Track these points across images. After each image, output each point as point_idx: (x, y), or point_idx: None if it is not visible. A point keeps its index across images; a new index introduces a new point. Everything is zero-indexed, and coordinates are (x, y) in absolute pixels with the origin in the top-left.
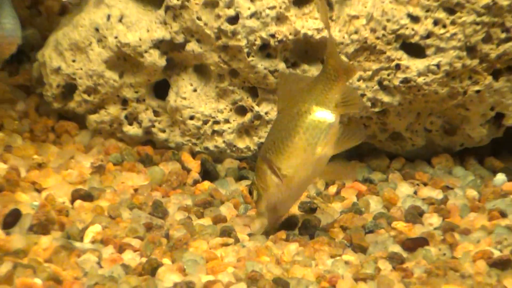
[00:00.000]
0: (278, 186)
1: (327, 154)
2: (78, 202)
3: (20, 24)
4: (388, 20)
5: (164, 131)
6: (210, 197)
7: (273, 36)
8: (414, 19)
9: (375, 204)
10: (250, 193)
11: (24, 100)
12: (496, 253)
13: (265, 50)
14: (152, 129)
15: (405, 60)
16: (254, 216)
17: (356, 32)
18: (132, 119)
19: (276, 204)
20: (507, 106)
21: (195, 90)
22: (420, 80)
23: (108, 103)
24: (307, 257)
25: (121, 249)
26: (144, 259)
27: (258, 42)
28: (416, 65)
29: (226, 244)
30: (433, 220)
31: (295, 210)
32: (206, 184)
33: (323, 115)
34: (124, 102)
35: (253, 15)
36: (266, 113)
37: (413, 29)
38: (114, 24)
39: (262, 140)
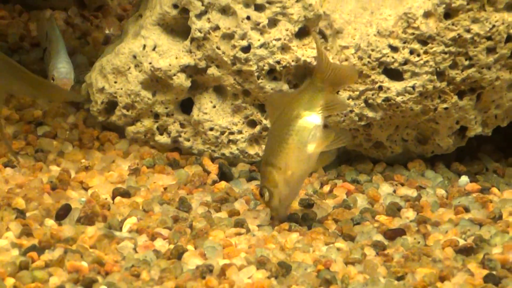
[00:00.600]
0: (284, 183)
1: (316, 151)
2: (118, 199)
3: (73, 68)
4: (372, 50)
5: (188, 140)
6: (226, 195)
7: (278, 62)
8: (394, 49)
9: (361, 201)
10: (262, 195)
11: (74, 114)
12: (461, 242)
13: (272, 74)
14: (179, 139)
15: (386, 82)
16: (262, 210)
17: (346, 60)
18: (162, 130)
19: (284, 199)
20: (470, 120)
21: (214, 107)
22: (399, 99)
23: (143, 117)
24: (306, 244)
25: (153, 237)
26: (172, 246)
27: (266, 67)
28: (395, 86)
29: (239, 234)
30: (409, 214)
31: (295, 205)
32: (223, 184)
33: (310, 118)
34: (156, 116)
35: (262, 45)
36: None
37: (393, 57)
38: (149, 52)
39: None
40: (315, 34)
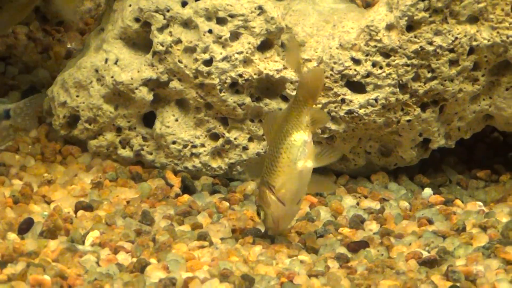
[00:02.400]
0: (277, 203)
1: (307, 167)
2: (80, 212)
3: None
4: (335, 63)
5: (151, 154)
6: (189, 208)
7: (240, 76)
8: (356, 61)
9: (324, 213)
10: (258, 214)
11: (37, 128)
12: (425, 254)
13: (234, 87)
14: (141, 152)
15: (349, 95)
16: (225, 223)
17: None
18: (125, 143)
19: (279, 218)
20: (433, 132)
21: (176, 120)
22: (361, 111)
23: (105, 131)
24: (269, 257)
25: (115, 251)
26: (134, 259)
27: (229, 80)
28: (358, 99)
29: (202, 247)
30: (373, 226)
31: (257, 219)
32: (186, 197)
33: (298, 135)
34: (119, 130)
35: (224, 59)
36: (235, 139)
37: (355, 70)
38: (111, 66)
39: (232, 161)
40: (298, 53)
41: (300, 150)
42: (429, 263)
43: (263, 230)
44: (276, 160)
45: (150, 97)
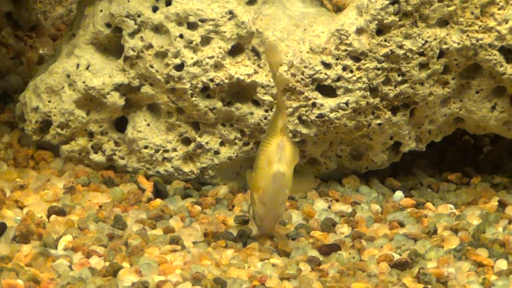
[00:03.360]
0: (259, 202)
1: (280, 171)
2: (53, 217)
3: None
4: (305, 67)
5: (123, 158)
6: (161, 212)
7: (212, 80)
8: (327, 65)
9: (296, 217)
10: (248, 211)
11: (9, 133)
12: (396, 256)
13: (206, 91)
14: (113, 157)
15: (319, 99)
16: (197, 227)
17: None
18: (97, 148)
19: (261, 218)
20: (403, 136)
21: (148, 125)
22: (332, 115)
23: (77, 136)
24: (241, 260)
25: (88, 255)
26: (107, 263)
27: (200, 85)
28: (328, 103)
29: (174, 250)
30: (344, 229)
31: (231, 221)
32: (158, 201)
33: (273, 139)
34: (91, 134)
35: (195, 63)
36: (206, 143)
37: (326, 74)
38: (82, 71)
39: (203, 165)
40: (278, 59)
41: (274, 154)
42: (401, 266)
43: (235, 233)
44: (256, 164)
45: (121, 102)
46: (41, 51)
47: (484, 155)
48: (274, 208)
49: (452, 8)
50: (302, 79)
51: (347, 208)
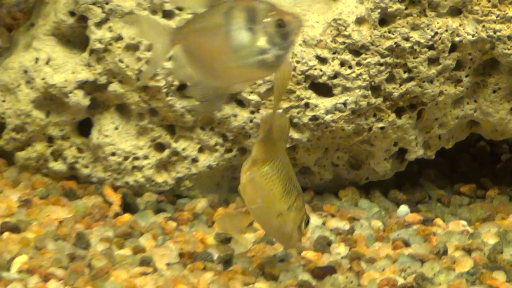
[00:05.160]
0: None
1: (248, 176)
2: (6, 234)
3: None
4: (297, 62)
5: (87, 167)
6: (130, 229)
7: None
8: (322, 60)
9: None
10: None
11: None
12: (400, 281)
13: (183, 90)
14: (76, 165)
15: (313, 99)
16: (171, 246)
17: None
18: (57, 155)
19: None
20: (409, 141)
21: (116, 128)
22: (328, 117)
23: (35, 141)
24: (221, 285)
25: (46, 278)
26: None
27: (176, 83)
28: (324, 103)
29: (145, 273)
30: (341, 249)
31: (210, 240)
32: (127, 216)
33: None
34: (50, 139)
35: (171, 58)
36: (183, 150)
37: (321, 70)
38: (42, 66)
39: (179, 175)
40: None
41: (249, 160)
42: None
43: (215, 254)
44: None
45: (86, 102)
46: None
47: (502, 164)
48: (268, 220)
49: None
50: (293, 76)
51: (344, 225)
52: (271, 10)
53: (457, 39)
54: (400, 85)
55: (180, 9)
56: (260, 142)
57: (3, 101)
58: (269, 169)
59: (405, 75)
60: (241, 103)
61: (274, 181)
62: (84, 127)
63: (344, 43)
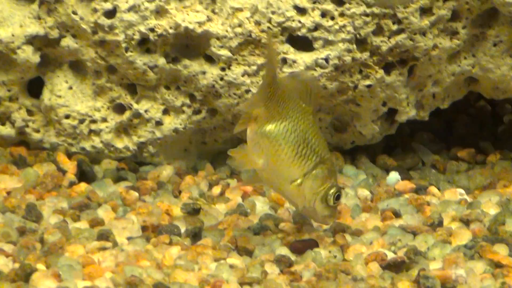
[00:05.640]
0: None
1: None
2: None
3: None
4: (273, 12)
5: (38, 131)
6: (87, 200)
7: (152, 30)
8: (301, 10)
9: (261, 205)
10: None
11: None
12: (390, 255)
13: (144, 45)
14: (25, 129)
15: (291, 54)
16: (133, 219)
17: (240, 25)
18: (4, 119)
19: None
20: (400, 101)
21: (70, 88)
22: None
23: None
24: (189, 261)
25: None
26: (17, 265)
27: (137, 36)
28: (303, 59)
29: (103, 248)
30: None
31: (177, 211)
32: (83, 186)
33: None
34: None
35: (131, 9)
36: (145, 111)
37: (299, 22)
38: None
39: (142, 139)
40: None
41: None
42: (396, 267)
43: (182, 227)
44: None
45: (36, 58)
46: None
47: (504, 126)
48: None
49: None
50: (269, 28)
51: None
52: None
53: None
54: (389, 38)
55: None
56: (259, 98)
57: None
58: (274, 128)
59: (395, 27)
60: (211, 58)
61: (280, 143)
62: (35, 87)
63: None
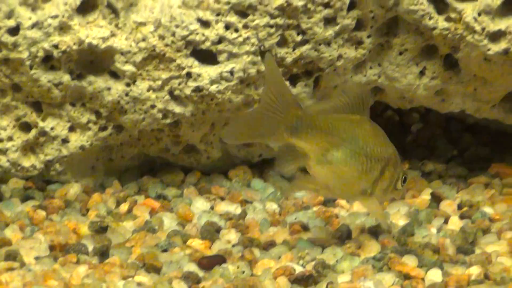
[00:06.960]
0: None
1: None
2: None
3: None
4: (177, 26)
5: None
6: None
7: (56, 46)
8: (204, 23)
9: (169, 221)
10: None
11: None
12: (298, 269)
13: (49, 62)
14: None
15: (196, 67)
16: (40, 238)
17: (143, 40)
18: None
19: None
20: None
21: None
22: (213, 88)
23: None
24: (97, 279)
25: None
26: None
27: (41, 53)
28: (208, 72)
29: (11, 269)
30: (231, 236)
31: (85, 230)
32: None
33: None
34: None
35: (34, 25)
36: (51, 129)
37: (203, 35)
38: None
39: (49, 157)
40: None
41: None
42: (304, 281)
43: (89, 246)
44: None
45: None
46: None
47: (412, 136)
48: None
49: None
50: (173, 42)
51: (235, 209)
52: None
53: None
54: (294, 49)
55: None
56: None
57: None
58: (333, 157)
59: (299, 38)
60: (115, 74)
61: (343, 169)
62: None
63: (229, 3)
